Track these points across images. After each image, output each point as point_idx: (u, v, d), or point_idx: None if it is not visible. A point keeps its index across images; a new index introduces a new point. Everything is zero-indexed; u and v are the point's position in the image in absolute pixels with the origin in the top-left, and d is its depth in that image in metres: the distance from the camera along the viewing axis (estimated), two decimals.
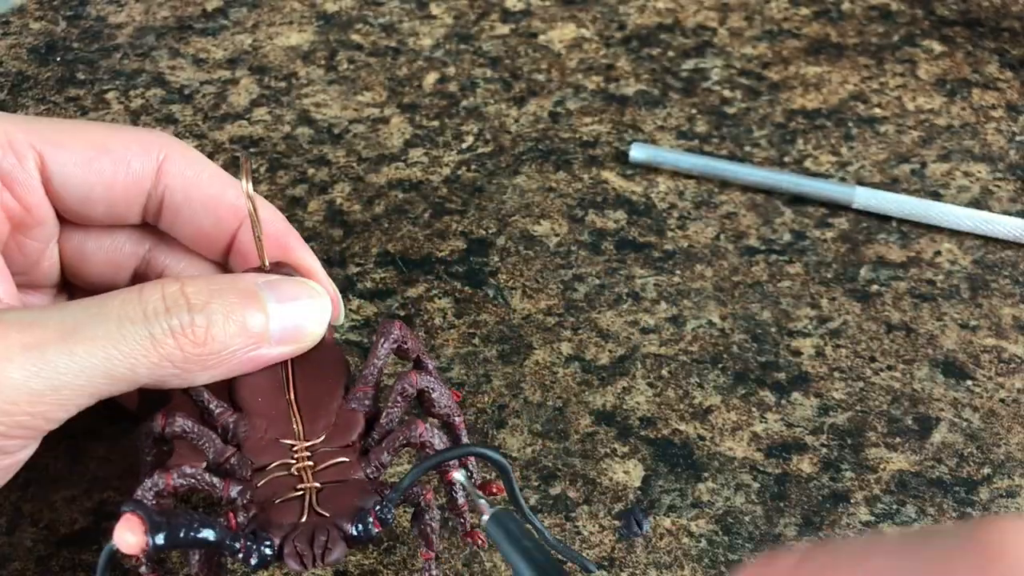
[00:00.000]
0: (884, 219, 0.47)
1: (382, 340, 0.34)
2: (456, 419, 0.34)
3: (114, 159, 0.35)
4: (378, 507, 0.30)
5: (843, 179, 0.49)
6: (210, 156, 0.51)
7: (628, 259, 0.46)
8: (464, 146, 0.52)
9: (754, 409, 0.40)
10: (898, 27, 0.59)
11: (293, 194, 0.49)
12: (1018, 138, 0.52)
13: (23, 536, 0.36)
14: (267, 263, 0.35)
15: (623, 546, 0.36)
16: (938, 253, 0.46)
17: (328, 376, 0.34)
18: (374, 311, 0.44)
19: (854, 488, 0.38)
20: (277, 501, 0.31)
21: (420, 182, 0.50)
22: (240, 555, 0.29)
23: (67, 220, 0.36)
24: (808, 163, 0.50)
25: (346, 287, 0.45)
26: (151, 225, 0.37)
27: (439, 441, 0.32)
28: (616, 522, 0.37)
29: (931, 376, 0.41)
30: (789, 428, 0.39)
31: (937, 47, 0.57)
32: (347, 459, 0.32)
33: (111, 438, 0.39)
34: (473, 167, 0.50)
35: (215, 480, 0.31)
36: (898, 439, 0.39)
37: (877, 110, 0.53)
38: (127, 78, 0.55)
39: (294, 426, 0.33)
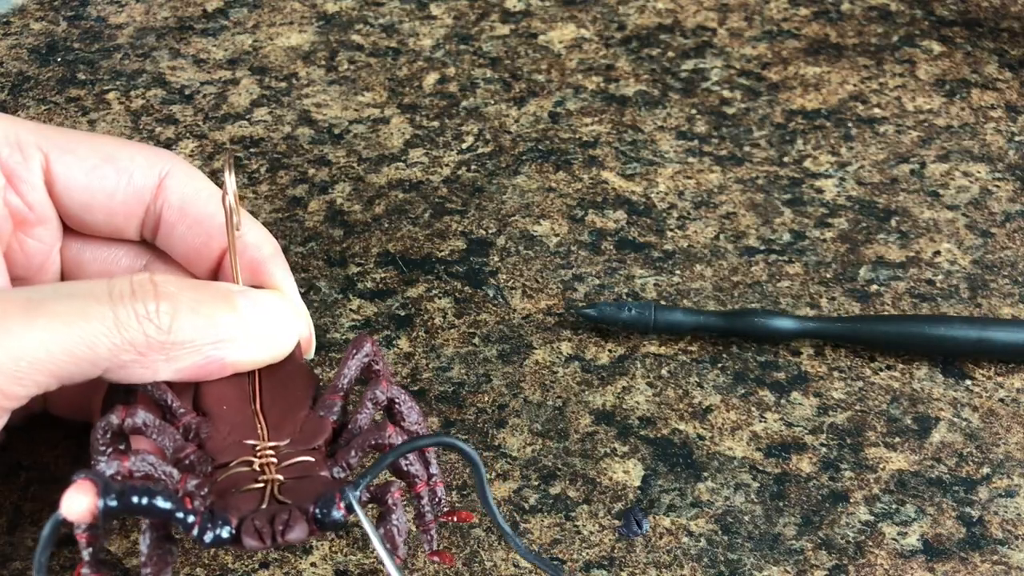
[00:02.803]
0: (883, 219, 0.48)
1: (354, 352, 0.34)
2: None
3: (117, 169, 0.35)
4: (342, 491, 0.29)
5: (842, 179, 0.49)
6: (210, 156, 0.51)
7: (628, 259, 0.46)
8: (464, 146, 0.52)
9: (753, 409, 0.40)
10: (897, 27, 0.59)
11: (293, 194, 0.49)
12: (1017, 138, 0.52)
13: (24, 535, 0.36)
14: (240, 282, 0.35)
15: (623, 546, 0.36)
16: (937, 253, 0.46)
17: (296, 390, 0.34)
18: (374, 311, 0.44)
19: (853, 488, 0.38)
20: (236, 492, 0.30)
21: (420, 182, 0.50)
22: (194, 530, 0.28)
23: (68, 228, 0.36)
24: (808, 163, 0.50)
25: (346, 287, 0.45)
26: (149, 243, 0.37)
27: None
28: (616, 521, 0.37)
29: (930, 376, 0.41)
30: (788, 428, 0.40)
31: (936, 47, 0.57)
32: (312, 458, 0.31)
33: None
34: (473, 167, 0.50)
35: (172, 471, 0.30)
36: (897, 439, 0.39)
37: (876, 110, 0.53)
38: (128, 78, 0.55)
39: (258, 431, 0.32)
